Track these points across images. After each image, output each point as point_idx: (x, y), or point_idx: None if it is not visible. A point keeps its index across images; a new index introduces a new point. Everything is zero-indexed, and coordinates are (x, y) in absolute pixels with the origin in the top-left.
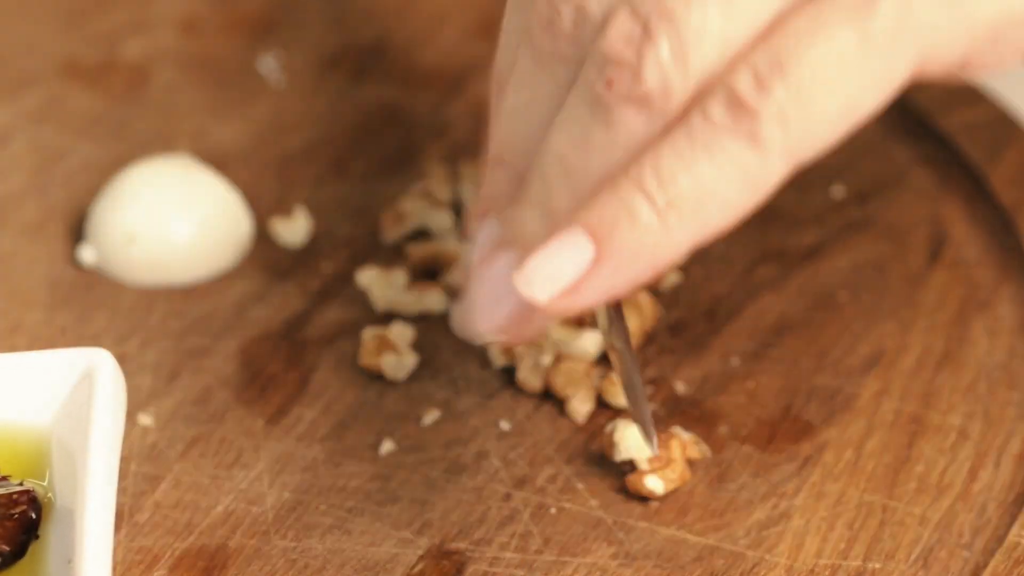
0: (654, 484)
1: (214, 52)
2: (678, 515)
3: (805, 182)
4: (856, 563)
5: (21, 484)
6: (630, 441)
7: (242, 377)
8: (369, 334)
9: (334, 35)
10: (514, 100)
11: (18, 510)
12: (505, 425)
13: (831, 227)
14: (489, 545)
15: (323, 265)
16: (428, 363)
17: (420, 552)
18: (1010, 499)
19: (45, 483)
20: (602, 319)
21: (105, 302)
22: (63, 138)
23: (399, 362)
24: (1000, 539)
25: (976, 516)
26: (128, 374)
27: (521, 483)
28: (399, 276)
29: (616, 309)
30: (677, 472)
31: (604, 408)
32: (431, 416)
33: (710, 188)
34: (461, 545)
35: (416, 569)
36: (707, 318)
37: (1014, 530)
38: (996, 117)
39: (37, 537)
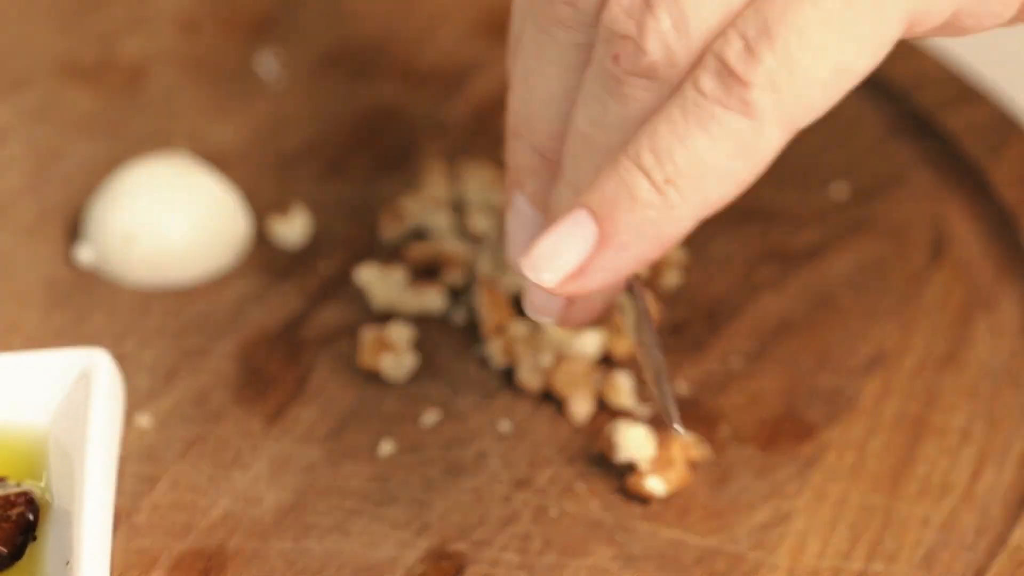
0: (655, 485)
1: (212, 51)
2: (679, 516)
3: (805, 182)
4: (858, 565)
5: (19, 485)
6: (630, 442)
7: (240, 377)
8: (368, 334)
9: (333, 34)
10: (522, 69)
11: (16, 511)
12: (505, 426)
13: (832, 227)
14: (489, 546)
15: (321, 265)
16: (427, 363)
17: (419, 553)
18: (1013, 500)
19: (43, 484)
20: (628, 310)
21: (103, 302)
22: (60, 137)
23: (398, 362)
24: (1003, 540)
25: (979, 517)
26: (126, 374)
27: (521, 484)
28: (398, 275)
29: (639, 296)
30: (678, 473)
31: (604, 409)
32: (430, 416)
33: (707, 161)
34: (461, 546)
35: (416, 570)
36: (708, 318)
37: (1017, 531)
38: (997, 116)
39: (35, 538)
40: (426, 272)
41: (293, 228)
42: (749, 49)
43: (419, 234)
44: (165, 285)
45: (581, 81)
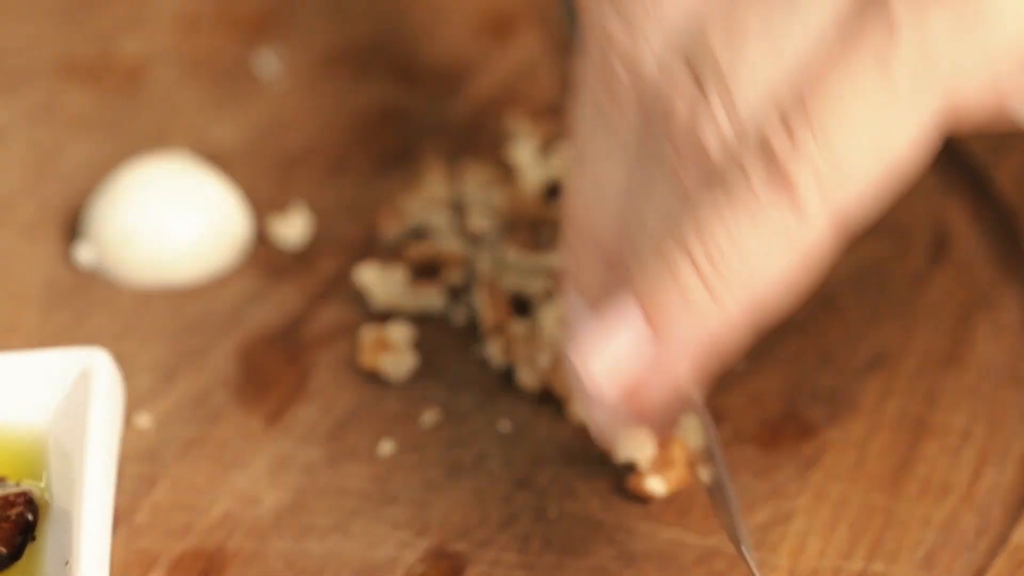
0: (655, 485)
1: (212, 50)
2: (679, 516)
3: None
4: (858, 565)
5: (18, 485)
6: (630, 442)
7: (240, 377)
8: (368, 334)
9: (333, 33)
10: (579, 161)
11: (15, 511)
12: (505, 426)
13: None
14: (489, 547)
15: (322, 264)
16: (427, 363)
17: (419, 554)
18: (1014, 501)
19: (42, 484)
20: (694, 436)
21: (102, 302)
22: (59, 136)
23: (398, 362)
24: (1003, 540)
25: (979, 517)
26: (125, 374)
27: (521, 484)
28: (398, 275)
29: (708, 423)
30: (678, 473)
31: None
32: (430, 417)
33: (753, 251)
34: (461, 547)
35: (416, 571)
36: None
37: (1017, 532)
38: None
39: (34, 539)
40: (426, 272)
41: (293, 228)
42: (790, 134)
43: (419, 234)
44: (165, 285)
45: (639, 172)
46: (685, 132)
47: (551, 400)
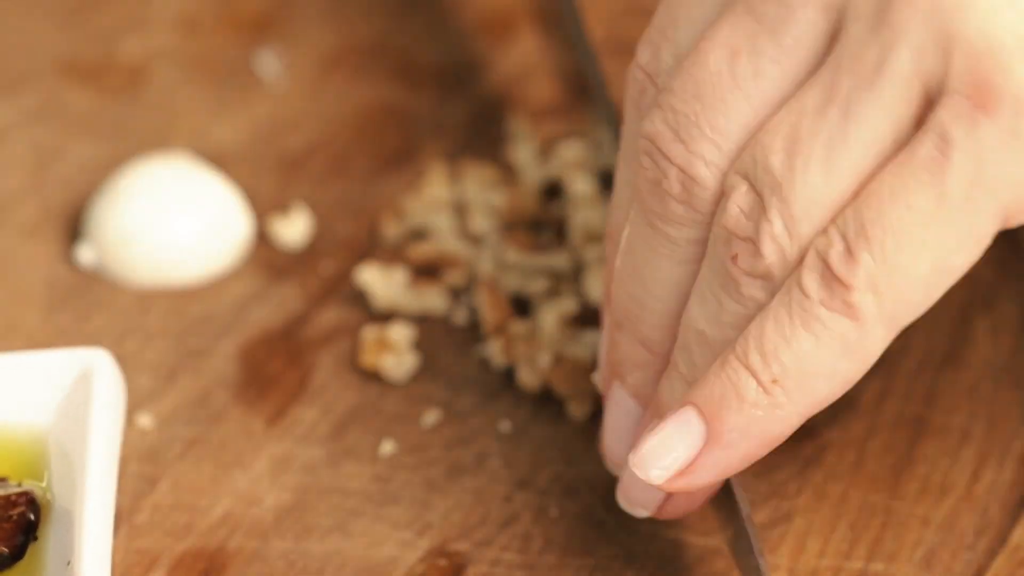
0: None
1: (213, 51)
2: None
3: None
4: (858, 564)
5: (20, 485)
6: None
7: (241, 377)
8: (369, 334)
9: (334, 34)
10: (629, 262)
11: (17, 511)
12: (506, 426)
13: None
14: (490, 546)
15: (322, 265)
16: (428, 363)
17: (420, 553)
18: (1013, 500)
19: (44, 484)
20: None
21: (103, 302)
22: (61, 137)
23: (399, 362)
24: (1003, 540)
25: (979, 517)
26: (127, 374)
27: (522, 484)
28: (399, 275)
29: (742, 499)
30: None
31: None
32: (431, 417)
33: (813, 361)
34: (462, 546)
35: (416, 570)
36: None
37: (1017, 531)
38: None
39: (36, 538)
40: (427, 272)
41: (294, 228)
42: (849, 251)
43: (420, 234)
44: (166, 285)
45: (694, 276)
46: (744, 246)
47: (552, 400)
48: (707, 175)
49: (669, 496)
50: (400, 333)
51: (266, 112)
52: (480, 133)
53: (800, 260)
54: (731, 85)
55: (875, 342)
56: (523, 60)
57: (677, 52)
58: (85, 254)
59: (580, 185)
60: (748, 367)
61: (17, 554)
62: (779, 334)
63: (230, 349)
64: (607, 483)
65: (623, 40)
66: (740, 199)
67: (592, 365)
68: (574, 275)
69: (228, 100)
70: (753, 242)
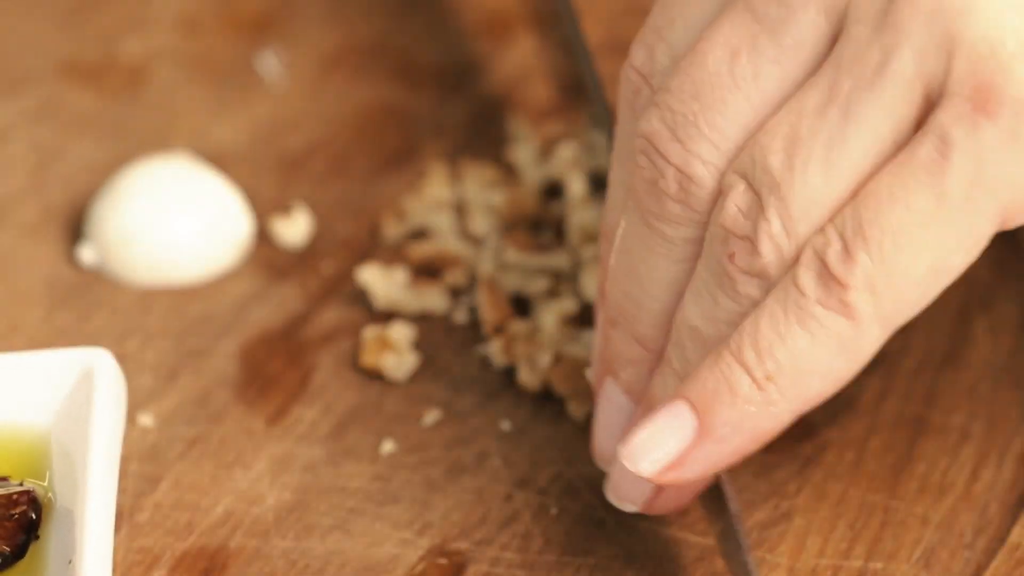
0: None
1: (213, 51)
2: (679, 515)
3: None
4: (858, 563)
5: (21, 484)
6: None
7: (242, 377)
8: (369, 334)
9: (334, 34)
10: (624, 260)
11: (18, 510)
12: (506, 425)
13: None
14: (490, 545)
15: (323, 265)
16: (429, 363)
17: (421, 552)
18: (1012, 499)
19: (45, 483)
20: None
21: (104, 302)
22: (62, 137)
23: (399, 362)
24: (1002, 539)
25: (978, 516)
26: (128, 374)
27: (522, 483)
28: (399, 274)
29: (731, 497)
30: None
31: None
32: (432, 416)
33: (807, 359)
34: (462, 545)
35: (417, 569)
36: None
37: (1016, 530)
38: None
39: (37, 537)
40: (427, 272)
41: (294, 228)
42: (846, 250)
43: (420, 234)
44: (167, 285)
45: (690, 274)
46: (741, 244)
47: (552, 399)
48: (705, 174)
49: (658, 491)
50: (400, 333)
51: (266, 112)
52: (480, 133)
53: (794, 258)
54: (731, 85)
55: (870, 341)
56: (523, 61)
57: (673, 52)
58: (86, 254)
59: (577, 185)
60: (742, 362)
61: (19, 553)
62: (774, 331)
63: (231, 349)
64: None
65: (621, 41)
66: (738, 198)
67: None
68: (574, 275)
69: (228, 100)
70: (751, 241)
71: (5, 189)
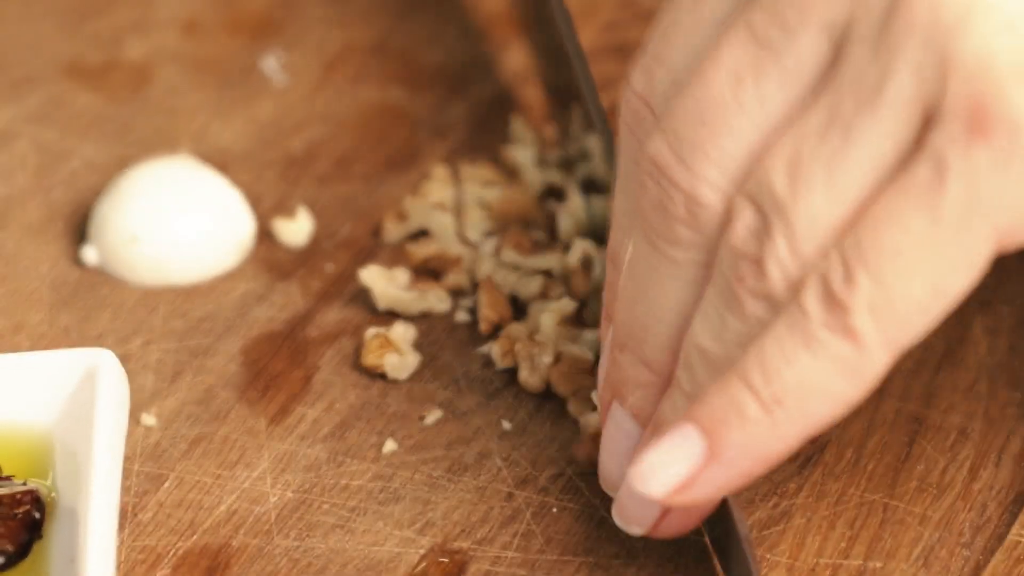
0: None
1: (216, 52)
2: None
3: None
4: (857, 562)
5: (25, 484)
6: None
7: (245, 377)
8: (371, 334)
9: (336, 35)
10: (633, 284)
11: (22, 510)
12: (507, 425)
13: None
14: (491, 544)
15: (325, 265)
16: (430, 363)
17: (422, 551)
18: (1010, 498)
19: (48, 483)
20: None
21: (108, 302)
22: (66, 138)
23: (401, 362)
24: (1000, 538)
25: (976, 515)
26: (131, 374)
27: (523, 482)
28: (401, 275)
29: (740, 520)
30: None
31: None
32: (433, 416)
33: (813, 382)
34: (463, 544)
35: (418, 568)
36: None
37: (1014, 529)
38: None
39: (40, 537)
40: (428, 272)
41: (296, 228)
42: (848, 274)
43: (421, 235)
44: (170, 285)
45: (698, 297)
46: (749, 266)
47: (552, 398)
48: (712, 198)
49: (664, 515)
50: (402, 333)
51: (269, 113)
52: (481, 135)
53: (803, 280)
54: (735, 110)
55: (875, 364)
56: (524, 62)
57: (673, 76)
58: (90, 254)
59: (570, 190)
60: (749, 385)
61: (22, 552)
62: (781, 354)
63: (233, 349)
64: None
65: (618, 44)
66: (746, 220)
67: (591, 364)
68: (567, 276)
69: (231, 101)
70: (758, 262)
71: (9, 189)
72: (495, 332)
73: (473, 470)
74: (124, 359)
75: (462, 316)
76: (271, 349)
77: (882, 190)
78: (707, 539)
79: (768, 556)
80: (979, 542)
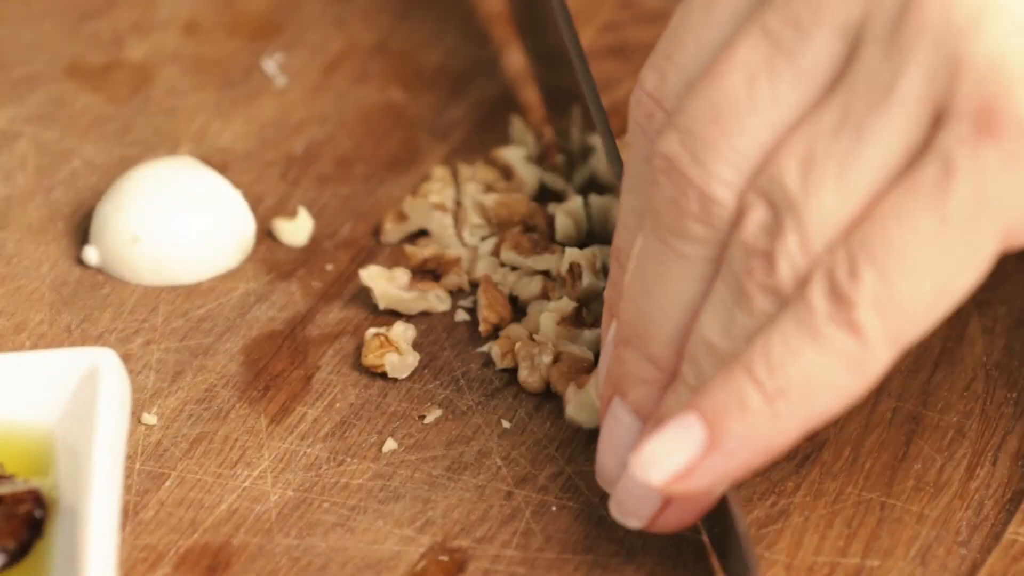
0: None
1: (217, 53)
2: None
3: None
4: (854, 560)
5: (26, 483)
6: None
7: (245, 376)
8: (371, 333)
9: (337, 36)
10: (640, 279)
11: (23, 508)
12: (506, 424)
13: None
14: (491, 543)
15: (325, 265)
16: (430, 362)
17: (422, 550)
18: (1007, 497)
19: (50, 482)
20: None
21: (109, 302)
22: (66, 139)
23: (401, 361)
24: (997, 536)
25: (973, 514)
26: (132, 373)
27: (523, 481)
28: (401, 275)
29: (738, 517)
30: None
31: None
32: (433, 415)
33: (816, 375)
34: (463, 543)
35: (418, 567)
36: None
37: (1011, 527)
38: None
39: (42, 535)
40: (428, 272)
41: (297, 229)
42: (854, 269)
43: (421, 235)
44: (171, 285)
45: (705, 293)
46: (760, 261)
47: (552, 398)
48: (726, 196)
49: (663, 508)
50: (402, 332)
51: (270, 114)
52: (481, 135)
53: (808, 276)
54: (749, 109)
55: (878, 359)
56: (523, 66)
57: (685, 76)
58: (91, 254)
59: (569, 191)
60: (753, 377)
61: (24, 551)
62: (785, 346)
63: (234, 348)
64: None
65: (618, 45)
66: (757, 216)
67: (590, 364)
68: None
69: (232, 102)
70: (768, 257)
71: (12, 190)
72: (495, 332)
73: (473, 469)
74: (125, 358)
75: (462, 316)
76: (272, 349)
77: (891, 188)
78: (705, 537)
79: (766, 555)
80: (976, 540)
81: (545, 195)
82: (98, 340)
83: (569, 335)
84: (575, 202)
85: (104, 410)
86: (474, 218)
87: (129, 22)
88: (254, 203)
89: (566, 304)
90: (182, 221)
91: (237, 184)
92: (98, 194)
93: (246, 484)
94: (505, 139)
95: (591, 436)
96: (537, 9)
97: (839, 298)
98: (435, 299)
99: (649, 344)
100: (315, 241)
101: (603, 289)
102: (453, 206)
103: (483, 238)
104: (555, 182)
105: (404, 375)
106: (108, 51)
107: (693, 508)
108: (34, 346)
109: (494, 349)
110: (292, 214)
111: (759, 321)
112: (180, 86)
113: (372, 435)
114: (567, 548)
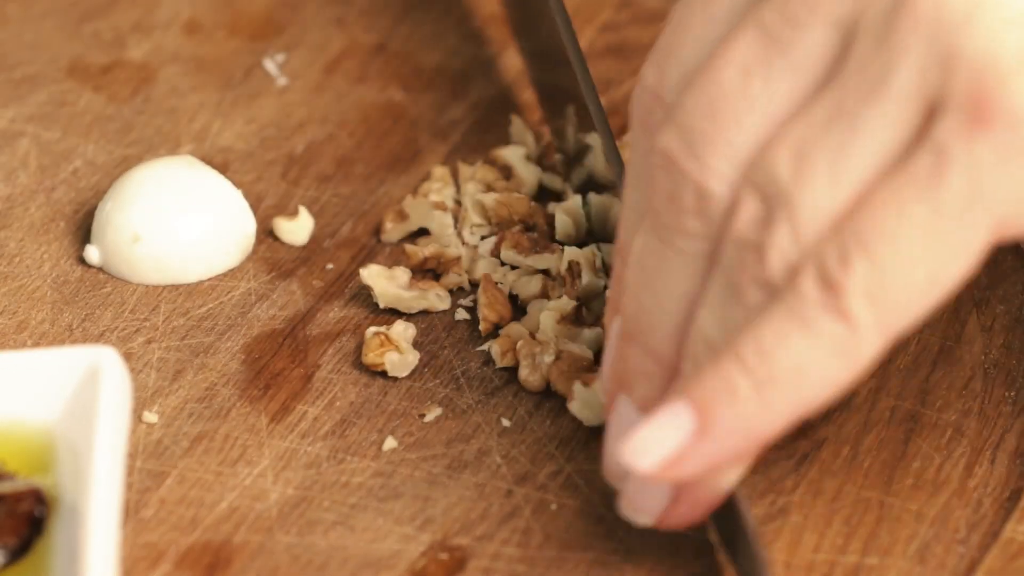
0: None
1: (218, 53)
2: None
3: None
4: (853, 558)
5: (27, 481)
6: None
7: (246, 375)
8: (371, 332)
9: (337, 36)
10: (641, 275)
11: (24, 507)
12: (506, 422)
13: None
14: (491, 541)
15: (326, 264)
16: (430, 361)
17: (422, 548)
18: (1005, 495)
19: (51, 480)
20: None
21: (110, 301)
22: (68, 138)
23: (401, 360)
24: (995, 534)
25: (972, 512)
26: (133, 372)
27: (522, 479)
28: (401, 274)
29: (746, 518)
30: None
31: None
32: (433, 413)
33: (806, 363)
34: (463, 541)
35: (418, 565)
36: None
37: (1009, 525)
38: None
39: (43, 533)
40: (428, 271)
41: (298, 228)
42: (845, 258)
43: (421, 234)
44: (172, 284)
45: (704, 286)
46: (752, 254)
47: (552, 396)
48: (721, 190)
49: (672, 505)
50: (402, 331)
51: (270, 113)
52: (481, 135)
53: (800, 267)
54: (745, 103)
55: (867, 347)
56: (523, 65)
57: (684, 70)
58: (92, 253)
59: (568, 190)
60: (742, 364)
61: (25, 549)
62: (775, 334)
63: (235, 347)
64: None
65: (617, 45)
66: (750, 208)
67: (590, 362)
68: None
69: (233, 102)
70: (760, 250)
71: (13, 189)
72: (495, 331)
73: (473, 467)
74: (126, 357)
75: (462, 314)
76: (272, 347)
77: (884, 180)
78: (714, 535)
79: (765, 553)
80: (974, 538)
81: (545, 194)
82: (99, 339)
83: (569, 334)
84: (574, 201)
85: (105, 408)
86: (474, 217)
87: (130, 22)
88: (255, 202)
89: (566, 303)
90: (183, 220)
91: (238, 183)
92: (99, 193)
93: (247, 482)
94: (505, 139)
95: (591, 434)
96: (534, 9)
97: (830, 285)
98: (435, 298)
99: (651, 339)
100: (315, 240)
101: (603, 288)
102: (453, 205)
103: (483, 237)
104: (554, 182)
105: (404, 374)
106: (109, 51)
107: (702, 505)
108: (35, 345)
109: (494, 348)
110: (293, 213)
111: (752, 314)
112: (181, 86)
113: (372, 433)
114: (567, 546)
